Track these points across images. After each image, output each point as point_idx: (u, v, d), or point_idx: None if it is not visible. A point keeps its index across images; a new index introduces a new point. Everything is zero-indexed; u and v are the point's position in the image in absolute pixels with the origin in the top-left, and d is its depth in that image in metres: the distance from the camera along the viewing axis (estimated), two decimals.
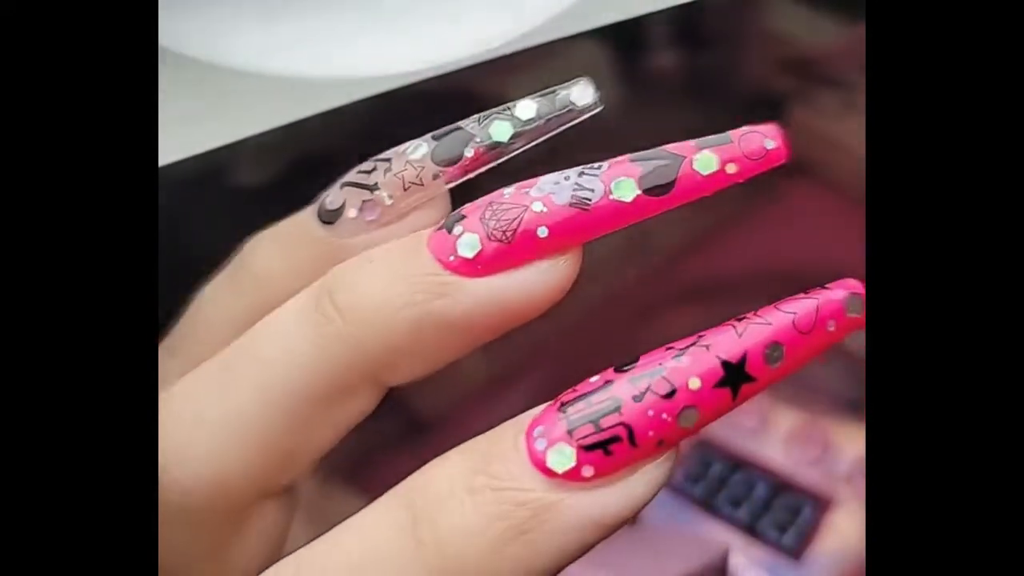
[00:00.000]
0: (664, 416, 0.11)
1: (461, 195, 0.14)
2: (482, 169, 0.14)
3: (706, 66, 0.30)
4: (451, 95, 0.23)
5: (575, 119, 0.13)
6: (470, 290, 0.12)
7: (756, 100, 0.30)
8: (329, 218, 0.14)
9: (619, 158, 0.12)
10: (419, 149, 0.14)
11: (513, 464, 0.11)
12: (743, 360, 0.11)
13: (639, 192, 0.12)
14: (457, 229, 0.12)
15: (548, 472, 0.11)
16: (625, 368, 0.12)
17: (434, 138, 0.14)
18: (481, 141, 0.13)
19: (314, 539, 0.12)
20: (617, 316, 0.29)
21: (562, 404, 0.12)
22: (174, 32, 0.18)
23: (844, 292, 0.12)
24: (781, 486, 0.27)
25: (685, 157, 0.12)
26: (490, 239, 0.12)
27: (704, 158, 0.12)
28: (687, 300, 0.29)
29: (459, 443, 0.12)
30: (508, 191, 0.13)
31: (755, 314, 0.12)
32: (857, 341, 0.12)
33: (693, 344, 0.12)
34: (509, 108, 0.13)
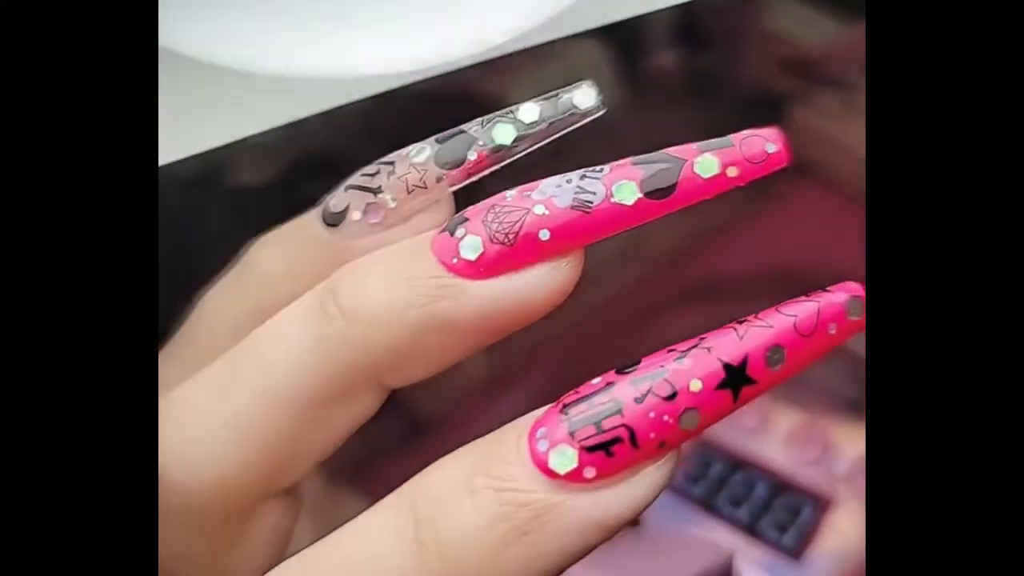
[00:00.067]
0: (665, 418, 0.11)
1: (465, 198, 0.14)
2: (485, 172, 0.14)
3: (706, 66, 0.30)
4: (451, 95, 0.23)
5: (578, 122, 0.13)
6: (473, 292, 0.12)
7: (756, 100, 0.30)
8: (333, 220, 0.14)
9: (620, 161, 0.12)
10: (423, 152, 0.14)
11: (515, 465, 0.11)
12: (744, 362, 0.11)
13: (640, 195, 0.12)
14: (460, 231, 0.12)
15: (550, 473, 0.11)
16: (627, 370, 0.12)
17: (437, 141, 0.14)
18: (484, 144, 0.13)
19: (318, 540, 0.12)
20: (617, 316, 0.29)
21: (564, 406, 0.12)
22: (174, 32, 0.18)
23: (845, 295, 0.12)
24: (781, 486, 0.27)
25: (686, 160, 0.12)
26: (492, 241, 0.12)
27: (705, 161, 0.12)
28: (687, 300, 0.29)
29: (460, 444, 0.12)
30: (510, 194, 0.13)
31: (756, 317, 0.12)
32: (857, 341, 0.12)
33: (695, 346, 0.12)
34: (512, 111, 0.13)
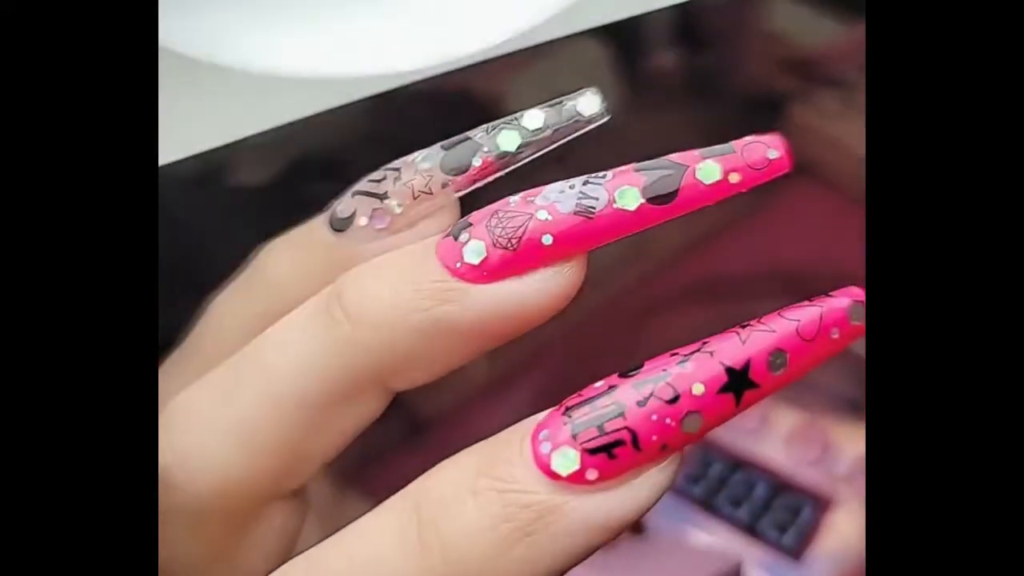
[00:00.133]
0: (668, 421, 0.11)
1: (471, 203, 0.14)
2: (490, 178, 0.14)
3: (706, 66, 0.30)
4: (451, 95, 0.23)
5: (582, 129, 0.13)
6: (476, 296, 0.12)
7: (756, 100, 0.30)
8: (340, 226, 0.14)
9: (623, 167, 0.13)
10: (428, 158, 0.14)
11: (518, 467, 0.11)
12: (747, 366, 0.11)
13: (642, 201, 0.12)
14: (463, 236, 0.12)
15: (552, 475, 0.11)
16: (629, 373, 0.12)
17: (443, 148, 0.14)
18: (489, 151, 0.14)
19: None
20: (618, 317, 0.29)
21: (567, 408, 0.12)
22: (174, 32, 0.18)
23: (848, 300, 0.12)
24: (781, 486, 0.27)
25: (688, 166, 0.12)
26: (496, 246, 0.12)
27: (707, 167, 0.12)
28: (688, 301, 0.29)
29: (463, 444, 0.12)
30: (514, 199, 0.13)
31: (759, 321, 0.12)
32: (857, 342, 0.12)
33: (697, 350, 0.12)
34: (517, 118, 0.14)
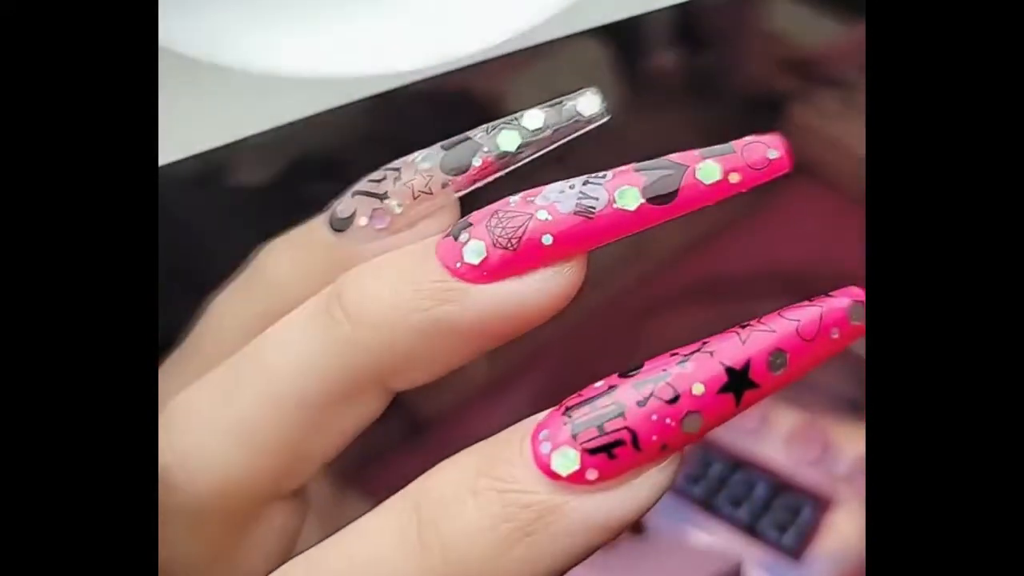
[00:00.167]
0: (668, 421, 0.11)
1: (471, 203, 0.14)
2: (490, 178, 0.14)
3: (706, 66, 0.30)
4: (451, 95, 0.23)
5: (582, 129, 0.13)
6: (476, 296, 0.12)
7: (756, 100, 0.30)
8: (340, 226, 0.14)
9: (623, 167, 0.13)
10: (428, 158, 0.14)
11: (518, 467, 0.11)
12: (747, 366, 0.11)
13: (642, 201, 0.12)
14: (463, 236, 0.12)
15: (552, 475, 0.11)
16: (629, 373, 0.12)
17: (443, 148, 0.14)
18: (489, 151, 0.14)
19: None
20: (618, 317, 0.29)
21: (567, 408, 0.12)
22: (174, 32, 0.18)
23: (848, 300, 0.12)
24: (781, 486, 0.27)
25: (688, 167, 0.12)
26: (495, 246, 0.12)
27: (707, 168, 0.12)
28: (688, 301, 0.29)
29: (463, 445, 0.12)
30: (514, 199, 0.13)
31: (759, 321, 0.12)
32: (857, 342, 0.12)
33: (697, 350, 0.12)
34: (517, 118, 0.14)
